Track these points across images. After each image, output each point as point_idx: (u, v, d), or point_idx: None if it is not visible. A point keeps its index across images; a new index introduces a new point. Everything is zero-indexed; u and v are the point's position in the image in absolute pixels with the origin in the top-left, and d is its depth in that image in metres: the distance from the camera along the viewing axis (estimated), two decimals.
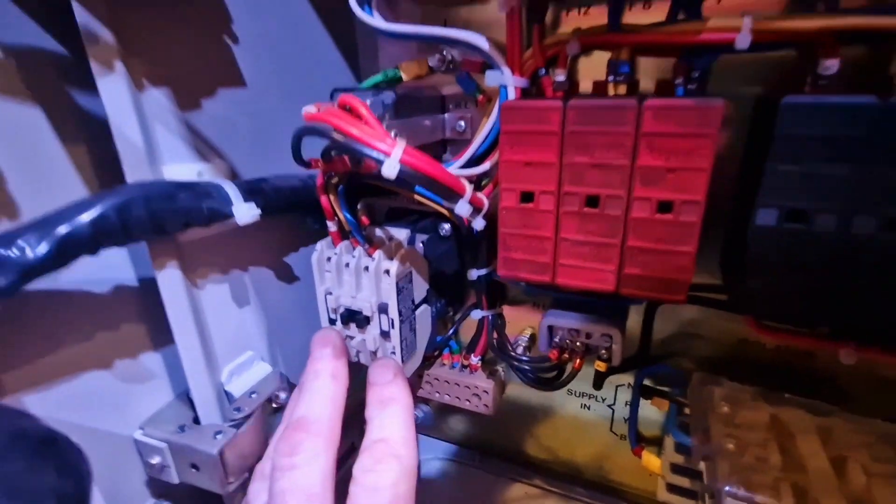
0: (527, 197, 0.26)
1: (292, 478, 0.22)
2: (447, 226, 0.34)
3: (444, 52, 0.30)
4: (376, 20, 0.31)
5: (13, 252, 0.18)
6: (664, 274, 0.24)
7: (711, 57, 0.23)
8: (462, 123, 0.33)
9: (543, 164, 0.25)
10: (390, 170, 0.19)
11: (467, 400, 0.39)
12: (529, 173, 0.25)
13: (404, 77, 0.32)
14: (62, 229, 0.19)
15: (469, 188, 0.23)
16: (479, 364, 0.38)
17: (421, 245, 0.32)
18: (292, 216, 0.33)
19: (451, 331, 0.38)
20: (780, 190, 0.22)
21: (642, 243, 0.24)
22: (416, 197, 0.33)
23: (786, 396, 0.27)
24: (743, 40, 0.21)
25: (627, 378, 0.36)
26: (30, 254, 0.18)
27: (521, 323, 0.39)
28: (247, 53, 0.27)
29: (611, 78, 0.26)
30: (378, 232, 0.32)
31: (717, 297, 0.29)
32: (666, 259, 0.24)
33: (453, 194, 0.22)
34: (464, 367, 0.39)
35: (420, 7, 0.33)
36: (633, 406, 0.35)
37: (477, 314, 0.36)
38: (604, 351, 0.30)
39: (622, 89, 0.26)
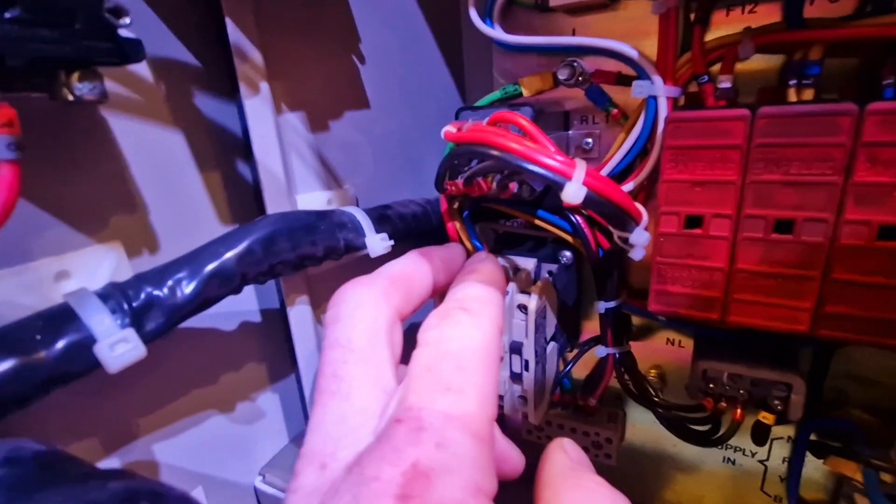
0: (693, 221, 0.22)
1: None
2: (569, 253, 0.31)
3: (576, 64, 0.27)
4: (498, 32, 0.29)
5: (163, 291, 0.16)
6: (883, 313, 0.20)
7: None
8: (590, 140, 0.30)
9: (719, 182, 0.21)
10: (575, 195, 0.16)
11: (585, 448, 0.35)
12: (699, 194, 0.22)
13: (525, 93, 0.30)
14: (210, 267, 0.17)
15: (646, 214, 0.20)
16: (597, 406, 0.34)
17: (548, 276, 0.29)
18: (409, 243, 0.31)
19: (567, 367, 0.34)
20: None
21: (854, 276, 0.20)
22: (537, 222, 0.30)
23: None
24: None
25: (787, 430, 0.31)
26: (179, 293, 0.16)
27: (645, 362, 0.34)
28: (371, 73, 0.26)
29: (792, 82, 0.22)
30: (501, 262, 0.29)
31: None
32: (887, 295, 0.20)
33: (630, 221, 0.19)
34: (577, 407, 0.35)
35: (537, 17, 0.31)
36: (796, 464, 0.29)
37: (601, 351, 0.32)
38: (777, 402, 0.25)
39: (808, 94, 0.22)
